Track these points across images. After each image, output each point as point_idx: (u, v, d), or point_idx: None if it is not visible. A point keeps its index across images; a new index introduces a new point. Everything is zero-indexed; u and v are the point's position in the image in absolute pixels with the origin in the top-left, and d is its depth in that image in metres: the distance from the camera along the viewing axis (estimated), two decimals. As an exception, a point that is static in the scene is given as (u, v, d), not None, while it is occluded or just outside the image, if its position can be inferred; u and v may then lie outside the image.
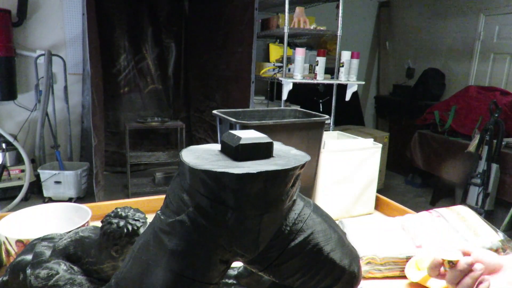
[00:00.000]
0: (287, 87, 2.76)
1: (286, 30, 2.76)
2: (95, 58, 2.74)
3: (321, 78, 2.84)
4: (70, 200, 3.17)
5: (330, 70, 2.99)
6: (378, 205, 1.23)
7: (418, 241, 0.85)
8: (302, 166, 0.42)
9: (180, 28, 4.10)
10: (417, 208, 1.13)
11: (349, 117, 4.50)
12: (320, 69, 2.82)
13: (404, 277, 0.80)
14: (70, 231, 0.62)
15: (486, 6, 3.98)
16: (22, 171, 3.17)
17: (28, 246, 0.61)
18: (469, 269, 0.55)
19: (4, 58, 3.07)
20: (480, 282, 0.54)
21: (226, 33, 3.31)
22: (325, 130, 1.05)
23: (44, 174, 3.15)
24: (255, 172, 0.37)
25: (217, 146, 0.46)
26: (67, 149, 3.64)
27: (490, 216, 2.97)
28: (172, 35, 4.09)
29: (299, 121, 0.98)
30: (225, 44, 3.34)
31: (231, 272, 0.62)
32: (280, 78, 2.85)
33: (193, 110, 4.23)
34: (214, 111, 1.02)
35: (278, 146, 0.47)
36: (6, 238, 0.73)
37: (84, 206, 0.88)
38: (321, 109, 3.84)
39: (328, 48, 3.88)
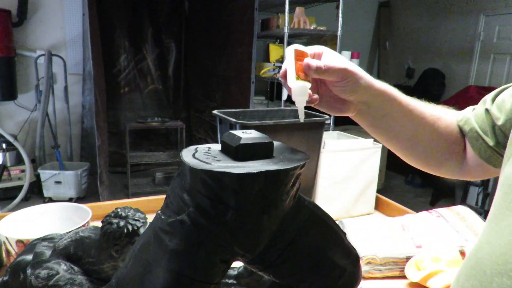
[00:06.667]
0: (287, 87, 2.75)
1: (286, 30, 2.76)
2: (97, 58, 2.74)
3: (321, 78, 2.84)
4: (70, 200, 3.16)
5: (330, 70, 2.99)
6: (378, 205, 1.23)
7: (418, 241, 0.85)
8: (302, 166, 0.42)
9: (180, 28, 4.10)
10: (417, 208, 1.13)
11: (349, 117, 4.49)
12: (320, 69, 2.82)
13: (404, 277, 0.80)
14: (70, 231, 0.62)
15: (486, 6, 3.98)
16: (22, 171, 3.17)
17: (28, 246, 0.61)
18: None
19: (4, 58, 3.07)
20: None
21: (226, 33, 3.32)
22: (325, 130, 1.05)
23: (44, 174, 3.15)
24: (255, 172, 0.37)
25: (217, 146, 0.46)
26: (67, 149, 3.64)
27: (490, 216, 2.97)
28: (172, 35, 4.08)
29: (299, 121, 0.98)
30: (225, 44, 3.34)
31: (231, 272, 0.62)
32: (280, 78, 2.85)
33: (193, 110, 4.23)
34: (214, 111, 1.02)
35: (278, 146, 0.47)
36: (6, 238, 0.73)
37: (84, 206, 0.88)
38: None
39: (328, 48, 3.88)
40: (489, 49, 4.01)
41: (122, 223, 0.53)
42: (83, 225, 0.78)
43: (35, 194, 3.30)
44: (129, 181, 3.37)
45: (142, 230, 0.54)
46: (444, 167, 0.63)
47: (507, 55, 3.85)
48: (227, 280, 0.61)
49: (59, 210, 0.88)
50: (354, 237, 0.86)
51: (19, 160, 3.22)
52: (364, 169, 1.15)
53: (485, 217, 0.53)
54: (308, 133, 0.99)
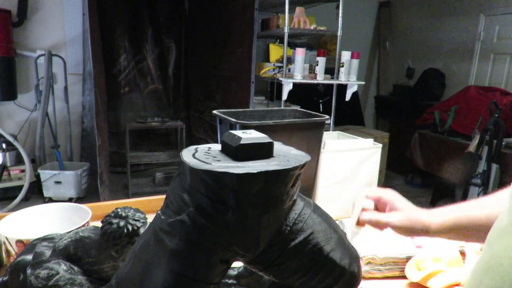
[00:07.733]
0: (287, 87, 2.76)
1: (286, 30, 2.76)
2: (97, 58, 2.74)
3: (321, 78, 2.84)
4: (70, 200, 3.16)
5: (330, 70, 2.99)
6: (378, 205, 1.22)
7: (418, 241, 0.85)
8: (302, 166, 0.42)
9: (180, 28, 4.10)
10: (417, 208, 1.13)
11: (349, 117, 4.49)
12: (320, 69, 2.82)
13: (404, 277, 0.80)
14: (70, 231, 0.62)
15: (486, 6, 3.98)
16: (22, 171, 3.17)
17: (28, 246, 0.61)
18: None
19: (4, 58, 3.07)
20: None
21: (226, 33, 3.31)
22: (325, 130, 1.05)
23: (44, 174, 3.15)
24: (255, 172, 0.37)
25: (218, 146, 0.46)
26: (67, 149, 3.64)
27: (490, 216, 2.96)
28: (172, 35, 4.08)
29: (299, 121, 0.98)
30: (225, 44, 3.34)
31: (231, 272, 0.62)
32: (280, 78, 2.85)
33: (193, 110, 4.23)
34: (214, 111, 1.02)
35: (278, 146, 0.47)
36: (6, 238, 0.73)
37: (84, 206, 0.88)
38: (321, 109, 3.84)
39: (328, 48, 3.88)
40: (489, 49, 4.01)
41: (122, 223, 0.53)
42: (83, 225, 0.77)
43: (35, 194, 3.30)
44: (129, 181, 3.37)
45: (142, 230, 0.54)
46: None
47: (507, 55, 3.85)
48: (227, 280, 0.61)
49: (59, 210, 0.88)
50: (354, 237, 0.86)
51: (19, 160, 3.22)
52: (364, 169, 1.15)
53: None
54: (308, 133, 0.99)
